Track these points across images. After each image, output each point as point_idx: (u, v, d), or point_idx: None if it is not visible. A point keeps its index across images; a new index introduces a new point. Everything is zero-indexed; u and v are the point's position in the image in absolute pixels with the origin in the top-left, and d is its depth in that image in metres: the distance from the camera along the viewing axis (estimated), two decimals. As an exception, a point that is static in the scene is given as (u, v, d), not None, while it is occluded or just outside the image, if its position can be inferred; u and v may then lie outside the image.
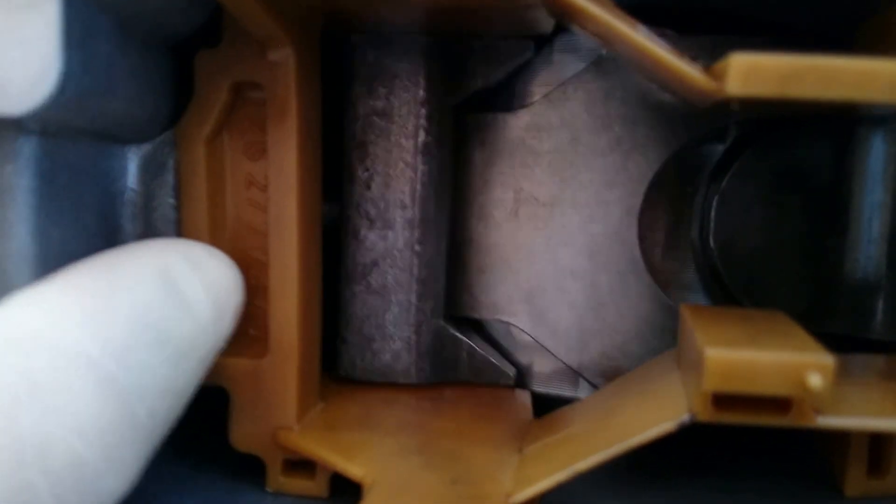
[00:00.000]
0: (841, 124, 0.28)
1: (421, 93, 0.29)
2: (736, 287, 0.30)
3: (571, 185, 0.30)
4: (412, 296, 0.30)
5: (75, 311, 0.19)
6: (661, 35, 0.22)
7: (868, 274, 0.28)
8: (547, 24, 0.28)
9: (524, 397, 0.31)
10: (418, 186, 0.30)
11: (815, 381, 0.19)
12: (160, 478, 0.23)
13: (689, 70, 0.21)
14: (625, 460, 0.22)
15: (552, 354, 0.31)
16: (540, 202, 0.31)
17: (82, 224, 0.24)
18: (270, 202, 0.26)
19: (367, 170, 0.30)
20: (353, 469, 0.25)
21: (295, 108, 0.25)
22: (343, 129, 0.30)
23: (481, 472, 0.24)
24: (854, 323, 0.29)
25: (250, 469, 0.27)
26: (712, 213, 0.30)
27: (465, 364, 0.32)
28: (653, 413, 0.22)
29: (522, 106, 0.31)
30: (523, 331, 0.31)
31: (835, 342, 0.21)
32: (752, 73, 0.20)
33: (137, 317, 0.20)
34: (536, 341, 0.31)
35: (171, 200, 0.27)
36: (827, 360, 0.20)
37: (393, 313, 0.30)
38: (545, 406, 0.30)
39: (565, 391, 0.32)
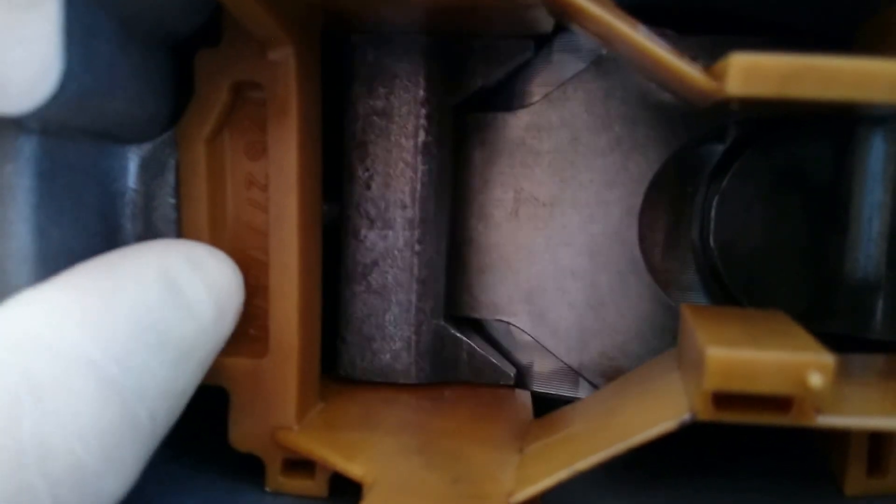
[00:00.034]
0: (841, 124, 0.28)
1: (421, 93, 0.29)
2: (736, 287, 0.30)
3: (571, 185, 0.30)
4: (412, 296, 0.30)
5: (76, 312, 0.19)
6: (661, 35, 0.22)
7: (868, 274, 0.28)
8: (547, 23, 0.28)
9: (524, 397, 0.31)
10: (418, 186, 0.30)
11: (816, 380, 0.19)
12: (160, 478, 0.23)
13: (689, 70, 0.21)
14: (625, 460, 0.22)
15: (552, 354, 0.31)
16: (540, 202, 0.31)
17: (82, 224, 0.24)
18: (271, 202, 0.26)
19: (367, 170, 0.30)
20: (354, 469, 0.25)
21: (295, 108, 0.25)
22: (343, 129, 0.30)
23: (482, 472, 0.24)
24: (854, 323, 0.29)
25: (250, 469, 0.27)
26: (712, 213, 0.30)
27: (465, 364, 0.32)
28: (653, 412, 0.22)
29: (522, 106, 0.31)
30: (523, 331, 0.31)
31: (835, 342, 0.21)
32: (752, 72, 0.20)
33: (138, 318, 0.20)
34: (536, 341, 0.31)
35: (172, 200, 0.27)
36: (827, 359, 0.20)
37: (393, 313, 0.30)
38: (545, 406, 0.30)
39: (565, 391, 0.32)
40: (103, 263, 0.22)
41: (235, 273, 0.25)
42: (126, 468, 0.19)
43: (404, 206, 0.30)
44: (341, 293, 0.31)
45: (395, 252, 0.30)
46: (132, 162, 0.26)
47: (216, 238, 0.27)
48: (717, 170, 0.30)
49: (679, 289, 0.31)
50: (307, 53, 0.26)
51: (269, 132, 0.26)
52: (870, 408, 0.22)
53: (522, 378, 0.32)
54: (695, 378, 0.21)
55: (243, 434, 0.27)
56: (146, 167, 0.27)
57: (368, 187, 0.30)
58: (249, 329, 0.27)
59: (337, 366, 0.31)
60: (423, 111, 0.29)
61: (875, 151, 0.28)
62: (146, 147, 0.26)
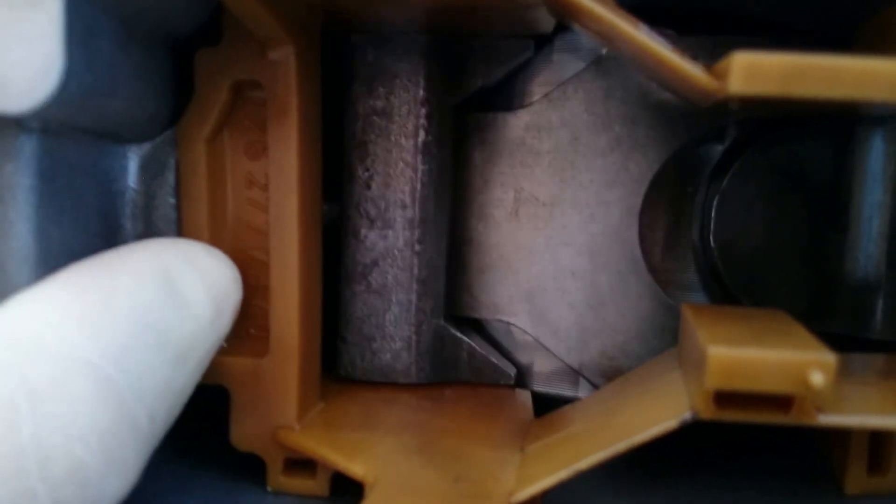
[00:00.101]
0: (841, 124, 0.28)
1: (421, 92, 0.29)
2: (736, 287, 0.30)
3: (571, 185, 0.30)
4: (412, 295, 0.30)
5: (75, 313, 0.19)
6: (662, 35, 0.22)
7: (868, 274, 0.28)
8: (547, 23, 0.28)
9: (524, 397, 0.31)
10: (418, 186, 0.30)
11: (817, 378, 0.19)
12: (160, 478, 0.23)
13: (691, 69, 0.21)
14: (625, 459, 0.22)
15: (552, 354, 0.31)
16: (540, 202, 0.31)
17: (82, 223, 0.24)
18: (271, 201, 0.26)
19: (367, 169, 0.30)
20: (355, 468, 0.25)
21: (295, 108, 0.25)
22: (343, 128, 0.30)
23: (483, 471, 0.24)
24: (854, 323, 0.29)
25: (250, 469, 0.27)
26: (712, 213, 0.30)
27: (465, 364, 0.32)
28: (654, 411, 0.22)
29: (522, 106, 0.31)
30: (523, 330, 0.31)
31: (835, 342, 0.21)
32: (753, 71, 0.20)
33: (137, 318, 0.20)
34: (537, 341, 0.31)
35: (172, 200, 0.27)
36: (829, 358, 0.20)
37: (393, 313, 0.30)
38: (545, 406, 0.30)
39: (566, 391, 0.32)
40: (101, 263, 0.21)
41: (233, 272, 0.25)
42: (126, 468, 0.19)
43: (404, 206, 0.30)
44: (341, 293, 0.31)
45: (396, 252, 0.30)
46: (132, 161, 0.26)
47: (216, 238, 0.27)
48: (718, 170, 0.30)
49: (679, 288, 0.31)
50: (307, 53, 0.26)
51: (269, 132, 0.26)
52: (870, 407, 0.22)
53: (523, 378, 0.32)
54: (696, 377, 0.21)
55: (244, 434, 0.27)
56: (146, 167, 0.27)
57: (368, 187, 0.30)
58: (250, 329, 0.27)
59: (337, 366, 0.31)
60: (423, 111, 0.29)
61: (875, 151, 0.28)
62: (146, 147, 0.26)
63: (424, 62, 0.29)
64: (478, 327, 0.33)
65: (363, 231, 0.30)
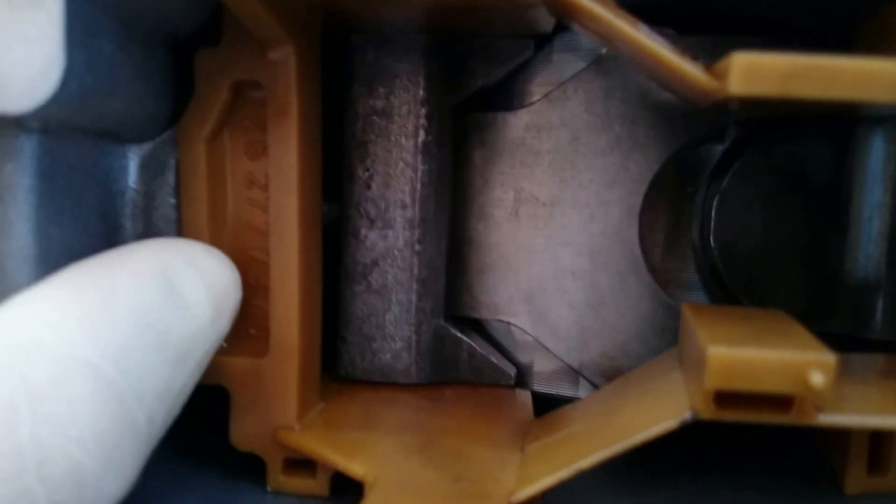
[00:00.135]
0: (841, 124, 0.28)
1: (421, 92, 0.29)
2: (736, 287, 0.30)
3: (571, 185, 0.30)
4: (412, 295, 0.30)
5: (74, 314, 0.19)
6: (662, 35, 0.22)
7: (868, 274, 0.28)
8: (547, 23, 0.28)
9: (525, 397, 0.31)
10: (418, 186, 0.30)
11: (817, 378, 0.19)
12: (160, 477, 0.23)
13: (690, 69, 0.21)
14: (625, 459, 0.22)
15: (553, 354, 0.31)
16: (540, 202, 0.31)
17: (83, 223, 0.24)
18: (271, 201, 0.26)
19: (367, 169, 0.30)
20: (355, 468, 0.25)
21: (295, 108, 0.25)
22: (343, 128, 0.30)
23: (483, 471, 0.24)
24: (854, 323, 0.29)
25: (250, 468, 0.27)
26: (712, 213, 0.30)
27: (465, 364, 0.32)
28: (654, 411, 0.22)
29: (522, 105, 0.31)
30: (523, 330, 0.31)
31: (835, 342, 0.21)
32: (753, 72, 0.20)
33: (136, 319, 0.20)
34: (537, 341, 0.31)
35: (172, 200, 0.27)
36: (828, 358, 0.20)
37: (393, 313, 0.30)
38: (546, 405, 0.30)
39: (566, 391, 0.32)
40: (100, 264, 0.21)
41: (232, 271, 0.25)
42: (125, 469, 0.19)
43: (404, 206, 0.30)
44: (341, 293, 0.31)
45: (396, 252, 0.30)
46: (132, 161, 0.26)
47: (216, 238, 0.27)
48: (717, 170, 0.30)
49: (679, 288, 0.31)
50: (307, 53, 0.26)
51: (269, 132, 0.26)
52: (870, 407, 0.22)
53: (523, 378, 0.32)
54: (696, 377, 0.21)
55: (244, 434, 0.27)
56: (146, 167, 0.27)
57: (368, 187, 0.30)
58: (250, 328, 0.27)
59: (337, 365, 0.31)
60: (423, 111, 0.29)
61: (875, 151, 0.28)
62: (146, 147, 0.26)
63: (424, 62, 0.29)
64: (478, 327, 0.33)
65: (363, 231, 0.30)
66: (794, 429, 0.21)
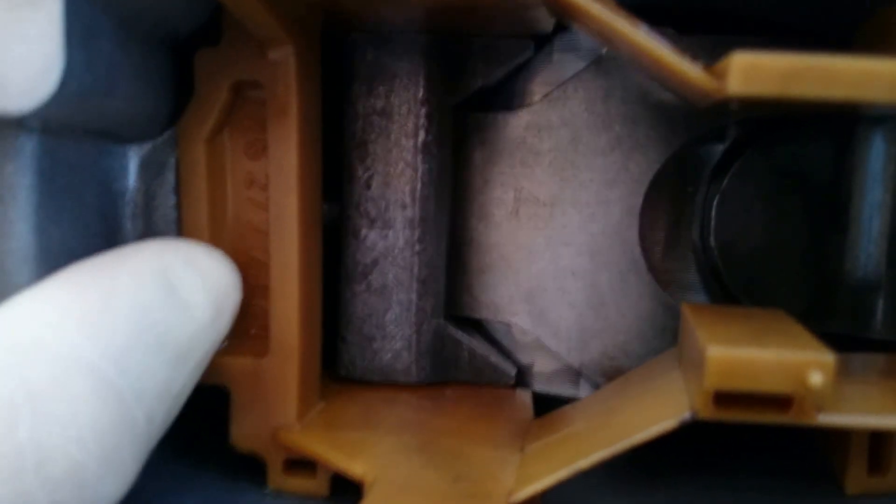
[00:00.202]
0: (841, 124, 0.28)
1: (421, 92, 0.29)
2: (736, 287, 0.30)
3: (572, 185, 0.30)
4: (412, 295, 0.30)
5: (74, 315, 0.19)
6: (662, 34, 0.22)
7: (868, 273, 0.28)
8: (547, 23, 0.28)
9: (525, 397, 0.31)
10: (418, 186, 0.30)
11: (817, 378, 0.19)
12: (160, 477, 0.23)
13: (690, 69, 0.21)
14: (625, 459, 0.22)
15: (553, 354, 0.31)
16: (540, 202, 0.31)
17: (83, 223, 0.24)
18: (271, 201, 0.26)
19: (368, 169, 0.30)
20: (355, 468, 0.25)
21: (295, 107, 0.25)
22: (343, 128, 0.30)
23: (483, 471, 0.24)
24: (854, 323, 0.29)
25: (250, 468, 0.27)
26: (713, 213, 0.30)
27: (465, 364, 0.32)
28: (654, 411, 0.22)
29: (523, 105, 0.31)
30: (524, 330, 0.31)
31: (835, 342, 0.21)
32: (753, 71, 0.20)
33: (136, 319, 0.20)
34: (537, 341, 0.31)
35: (172, 200, 0.27)
36: (828, 358, 0.20)
37: (393, 313, 0.30)
38: (546, 405, 0.30)
39: (566, 390, 0.32)
40: (100, 264, 0.22)
41: (232, 272, 0.25)
42: (124, 470, 0.19)
43: (404, 206, 0.30)
44: (341, 293, 0.31)
45: (396, 252, 0.30)
46: (132, 161, 0.26)
47: (216, 238, 0.27)
48: (718, 170, 0.30)
49: (679, 288, 0.31)
50: (307, 53, 0.26)
51: (269, 132, 0.26)
52: (870, 407, 0.22)
53: (523, 378, 0.32)
54: (695, 377, 0.21)
55: (244, 434, 0.27)
56: (146, 167, 0.27)
57: (368, 187, 0.30)
58: (250, 328, 0.27)
59: (337, 365, 0.31)
60: (423, 111, 0.29)
61: (875, 151, 0.28)
62: (146, 147, 0.26)
63: (424, 62, 0.29)
64: (478, 327, 0.33)
65: (363, 231, 0.30)
66: (794, 429, 0.21)
